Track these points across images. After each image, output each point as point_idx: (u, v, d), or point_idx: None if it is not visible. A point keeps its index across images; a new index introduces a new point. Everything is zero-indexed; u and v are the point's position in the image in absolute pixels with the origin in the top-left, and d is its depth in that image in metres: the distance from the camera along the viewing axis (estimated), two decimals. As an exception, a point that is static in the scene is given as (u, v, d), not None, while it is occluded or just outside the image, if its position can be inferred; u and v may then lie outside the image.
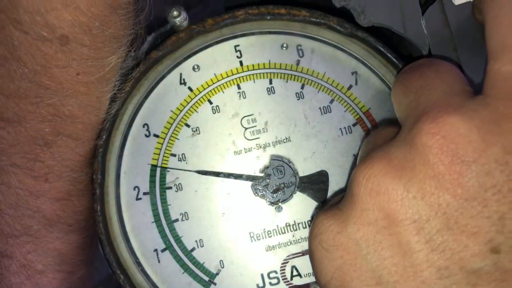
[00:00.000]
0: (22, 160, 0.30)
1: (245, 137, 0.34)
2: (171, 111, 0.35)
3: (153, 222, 0.34)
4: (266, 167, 0.34)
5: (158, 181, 0.34)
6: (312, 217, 0.34)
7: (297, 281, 0.33)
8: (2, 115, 0.28)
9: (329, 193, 0.34)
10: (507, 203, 0.22)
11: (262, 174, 0.34)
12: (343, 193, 0.28)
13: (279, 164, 0.34)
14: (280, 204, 0.34)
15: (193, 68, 0.35)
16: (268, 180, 0.34)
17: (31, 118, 0.29)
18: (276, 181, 0.34)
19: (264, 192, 0.34)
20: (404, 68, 0.29)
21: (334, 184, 0.34)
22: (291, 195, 0.34)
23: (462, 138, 0.22)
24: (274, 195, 0.34)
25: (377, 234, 0.24)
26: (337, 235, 0.25)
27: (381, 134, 0.29)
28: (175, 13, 0.32)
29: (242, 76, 0.35)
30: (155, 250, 0.34)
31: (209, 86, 0.35)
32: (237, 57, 0.35)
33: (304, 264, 0.33)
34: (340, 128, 0.35)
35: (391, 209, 0.24)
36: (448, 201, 0.23)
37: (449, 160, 0.23)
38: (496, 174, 0.22)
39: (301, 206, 0.34)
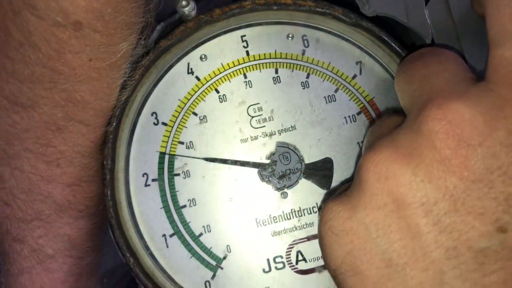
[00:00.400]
0: (35, 145, 0.31)
1: (252, 125, 0.35)
2: (179, 99, 0.35)
3: (161, 208, 0.34)
4: (272, 154, 0.34)
5: (167, 168, 0.35)
6: (317, 204, 0.34)
7: (302, 265, 0.34)
8: (16, 100, 0.29)
9: (334, 180, 0.34)
10: None
11: (268, 161, 0.35)
12: (350, 182, 0.29)
13: (285, 151, 0.34)
14: (285, 190, 0.34)
15: (201, 58, 0.36)
16: (274, 167, 0.34)
17: (44, 103, 0.29)
18: (282, 167, 0.34)
19: (270, 178, 0.34)
20: (407, 58, 0.30)
21: (339, 171, 0.35)
22: (297, 181, 0.34)
23: (468, 123, 0.23)
24: (280, 181, 0.34)
25: (386, 218, 0.25)
26: (347, 220, 0.26)
27: (386, 123, 0.29)
28: (184, 2, 0.33)
29: (249, 66, 0.36)
30: (164, 235, 0.34)
31: (216, 75, 0.36)
32: (244, 47, 0.36)
33: (309, 249, 0.34)
34: (345, 117, 0.35)
35: (399, 193, 0.24)
36: (455, 183, 0.23)
37: (455, 144, 0.23)
38: (501, 156, 0.23)
39: (306, 192, 0.34)
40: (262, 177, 0.34)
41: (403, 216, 0.24)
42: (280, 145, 0.35)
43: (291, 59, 0.36)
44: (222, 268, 0.34)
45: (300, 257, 0.34)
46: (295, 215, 0.34)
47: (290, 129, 0.35)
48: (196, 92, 0.35)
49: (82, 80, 0.29)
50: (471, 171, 0.23)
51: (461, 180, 0.23)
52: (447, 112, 0.24)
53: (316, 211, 0.34)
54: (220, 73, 0.36)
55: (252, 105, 0.35)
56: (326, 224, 0.27)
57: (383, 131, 0.28)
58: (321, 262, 0.34)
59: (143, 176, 0.35)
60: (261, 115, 0.35)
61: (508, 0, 0.24)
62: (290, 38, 0.36)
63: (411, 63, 0.28)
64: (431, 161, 0.24)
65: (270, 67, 0.36)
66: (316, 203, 0.34)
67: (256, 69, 0.36)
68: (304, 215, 0.34)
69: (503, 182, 0.23)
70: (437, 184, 0.24)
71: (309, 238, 0.34)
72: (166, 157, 0.35)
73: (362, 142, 0.35)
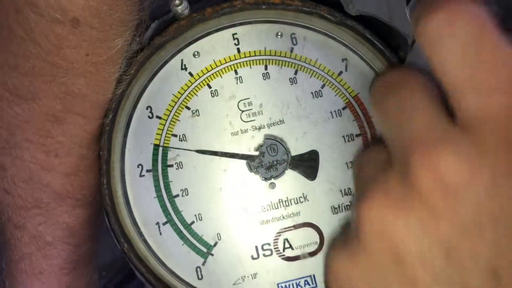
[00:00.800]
0: (35, 135, 0.33)
1: (242, 119, 0.37)
2: (173, 94, 0.37)
3: (155, 197, 0.36)
4: (260, 146, 0.36)
5: (160, 159, 0.37)
6: (303, 194, 0.36)
7: (289, 253, 0.36)
8: (17, 92, 0.31)
9: (319, 170, 0.36)
10: (502, 227, 0.23)
11: (256, 153, 0.36)
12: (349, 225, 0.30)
13: (272, 143, 0.36)
14: (273, 180, 0.36)
15: (194, 55, 0.37)
16: (262, 158, 0.36)
17: (44, 96, 0.31)
18: (269, 159, 0.36)
19: (258, 169, 0.36)
20: (376, 86, 0.29)
21: (324, 162, 0.36)
22: (283, 172, 0.36)
23: (453, 173, 0.23)
24: (268, 172, 0.36)
25: (385, 272, 0.25)
26: (349, 271, 0.27)
27: (372, 157, 0.29)
28: (177, 2, 0.35)
29: (239, 62, 0.37)
30: (157, 223, 0.36)
31: (208, 71, 0.37)
32: (235, 44, 0.38)
33: (295, 237, 0.36)
34: (331, 111, 0.37)
35: (395, 248, 0.25)
36: (447, 232, 0.24)
37: (443, 193, 0.24)
38: (487, 201, 0.23)
39: (293, 183, 0.36)
40: (250, 168, 0.36)
41: (401, 270, 0.25)
42: (268, 137, 0.36)
43: (280, 56, 0.37)
44: (212, 255, 0.36)
45: (287, 245, 0.36)
46: (283, 204, 0.36)
47: (278, 122, 0.37)
48: (189, 87, 0.37)
49: (80, 73, 0.31)
50: (461, 220, 0.23)
51: (452, 228, 0.23)
52: (431, 161, 0.24)
53: (302, 201, 0.36)
54: (212, 69, 0.37)
55: (243, 100, 0.37)
56: (331, 272, 0.28)
57: (371, 172, 0.28)
58: (306, 250, 0.36)
59: (138, 167, 0.36)
60: (251, 109, 0.37)
61: (450, 48, 0.23)
62: (279, 36, 0.38)
63: (382, 95, 0.28)
64: (422, 213, 0.24)
65: (260, 64, 0.37)
66: (303, 193, 0.36)
67: (247, 65, 0.37)
68: (291, 204, 0.36)
69: (492, 227, 0.23)
70: (429, 235, 0.24)
71: (295, 227, 0.36)
72: (160, 149, 0.37)
73: (348, 135, 0.37)
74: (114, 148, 0.36)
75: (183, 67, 0.37)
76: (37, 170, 0.34)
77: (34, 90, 0.31)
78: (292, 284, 0.35)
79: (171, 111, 0.37)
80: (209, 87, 0.37)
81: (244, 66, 0.37)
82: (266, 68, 0.37)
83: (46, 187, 0.35)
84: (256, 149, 0.36)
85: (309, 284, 0.35)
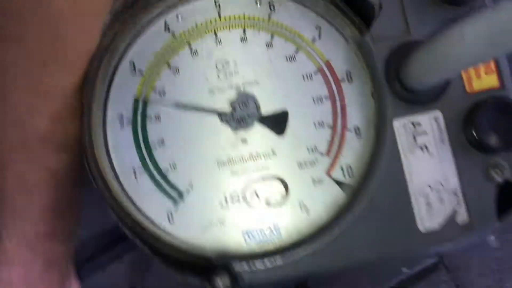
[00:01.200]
0: (22, 78, 0.35)
1: (219, 77, 0.39)
2: (156, 52, 0.40)
3: (133, 146, 0.39)
4: (233, 102, 0.39)
5: (140, 112, 0.39)
6: (272, 149, 0.38)
7: (255, 203, 0.38)
8: (6, 34, 0.33)
9: (288, 128, 0.39)
10: None
11: (230, 108, 0.39)
12: None
13: (244, 99, 0.39)
14: (244, 135, 0.39)
15: (177, 17, 0.40)
16: (234, 112, 0.39)
17: (31, 40, 0.34)
18: (240, 112, 0.39)
19: (229, 122, 0.39)
20: None
21: (293, 121, 0.39)
22: (252, 124, 0.38)
23: None
24: (238, 124, 0.39)
25: None
26: None
27: None
28: (162, -36, 0.37)
29: (219, 26, 0.40)
30: (134, 170, 0.38)
31: (190, 33, 0.40)
32: (216, 9, 0.40)
33: (262, 189, 0.38)
34: (302, 75, 0.39)
35: None
36: None
37: None
38: None
39: (263, 138, 0.39)
40: (221, 120, 0.39)
41: None
42: (241, 94, 0.39)
43: (258, 21, 0.40)
44: (184, 202, 0.38)
45: (254, 196, 0.38)
46: (253, 158, 0.39)
47: (252, 82, 0.39)
48: (171, 47, 0.40)
49: (67, 21, 0.33)
50: None
51: None
52: None
53: (270, 156, 0.38)
54: (194, 31, 0.40)
55: (220, 60, 0.40)
56: None
57: None
58: (271, 201, 0.38)
59: (118, 117, 0.39)
60: (228, 69, 0.39)
61: None
62: (258, 3, 0.40)
63: None
64: None
65: (238, 28, 0.40)
66: (271, 149, 0.39)
67: (226, 28, 0.40)
68: (261, 158, 0.39)
69: None
70: None
71: (263, 179, 0.38)
72: (140, 102, 0.39)
73: (317, 98, 0.39)
74: (96, 97, 0.38)
75: (166, 28, 0.40)
76: (23, 113, 0.37)
77: (22, 33, 0.33)
78: (257, 231, 0.38)
79: (153, 68, 0.39)
80: (190, 47, 0.40)
81: (223, 29, 0.40)
82: (244, 32, 0.40)
83: (31, 130, 0.38)
84: (229, 105, 0.39)
85: (273, 233, 0.38)
